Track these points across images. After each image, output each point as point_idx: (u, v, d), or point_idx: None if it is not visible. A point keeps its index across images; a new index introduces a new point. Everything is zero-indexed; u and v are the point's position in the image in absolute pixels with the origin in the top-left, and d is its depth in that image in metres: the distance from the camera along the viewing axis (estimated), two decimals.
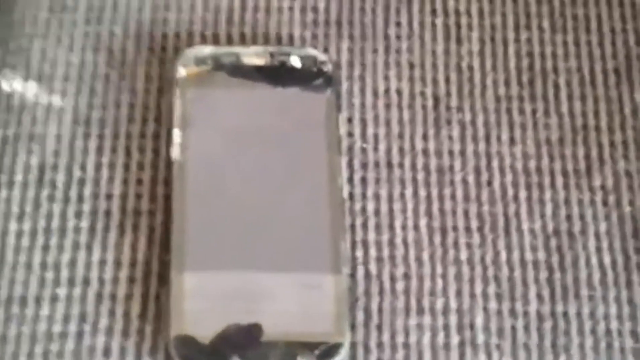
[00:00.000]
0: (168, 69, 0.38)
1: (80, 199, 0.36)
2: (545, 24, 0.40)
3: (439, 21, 0.40)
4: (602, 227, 0.37)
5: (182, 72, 0.37)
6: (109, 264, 0.35)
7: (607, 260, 0.36)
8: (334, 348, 0.32)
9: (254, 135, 0.36)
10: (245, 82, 0.37)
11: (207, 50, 0.37)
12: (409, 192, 0.37)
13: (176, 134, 0.36)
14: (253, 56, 0.37)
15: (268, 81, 0.37)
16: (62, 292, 0.34)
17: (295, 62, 0.37)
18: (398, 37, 0.40)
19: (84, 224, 0.36)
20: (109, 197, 0.36)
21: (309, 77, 0.37)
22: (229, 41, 0.39)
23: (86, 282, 0.35)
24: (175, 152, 0.35)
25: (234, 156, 0.36)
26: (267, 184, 0.35)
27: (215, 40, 0.39)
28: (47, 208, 0.36)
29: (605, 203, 0.37)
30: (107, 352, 0.33)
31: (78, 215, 0.36)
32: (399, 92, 0.39)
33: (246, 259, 0.34)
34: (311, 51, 0.38)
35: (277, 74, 0.37)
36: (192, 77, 0.37)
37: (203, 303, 0.33)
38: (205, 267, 0.33)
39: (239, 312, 0.33)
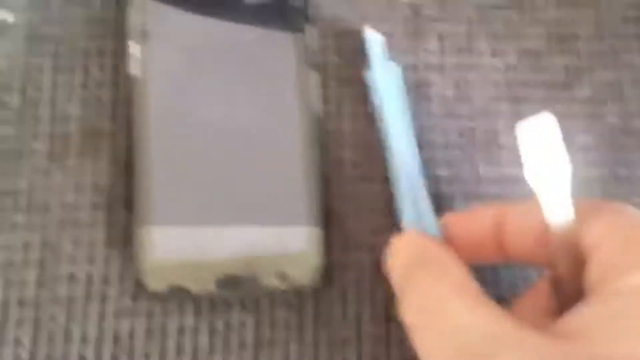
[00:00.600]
0: None
1: (36, 120, 0.34)
2: None
3: None
4: (586, 140, 0.35)
5: None
6: (71, 190, 0.33)
7: (594, 173, 0.35)
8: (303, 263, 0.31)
9: (220, 52, 0.34)
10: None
11: None
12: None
13: (133, 47, 0.34)
14: None
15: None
16: (20, 219, 0.33)
17: None
18: None
19: (41, 147, 0.34)
20: (67, 118, 0.34)
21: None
22: None
23: (46, 207, 0.33)
24: (134, 68, 0.33)
25: (197, 74, 0.34)
26: (234, 103, 0.33)
27: None
28: (0, 131, 0.34)
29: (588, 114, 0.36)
30: (72, 279, 0.32)
31: (34, 138, 0.34)
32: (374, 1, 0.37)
33: (210, 201, 0.32)
34: None
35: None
36: None
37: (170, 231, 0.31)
38: (173, 199, 0.32)
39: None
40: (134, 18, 0.34)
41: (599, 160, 0.35)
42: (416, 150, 0.34)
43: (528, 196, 0.34)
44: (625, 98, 0.36)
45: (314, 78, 0.35)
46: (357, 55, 0.36)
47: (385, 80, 0.35)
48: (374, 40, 0.36)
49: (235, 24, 0.35)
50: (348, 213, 0.34)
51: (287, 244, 0.32)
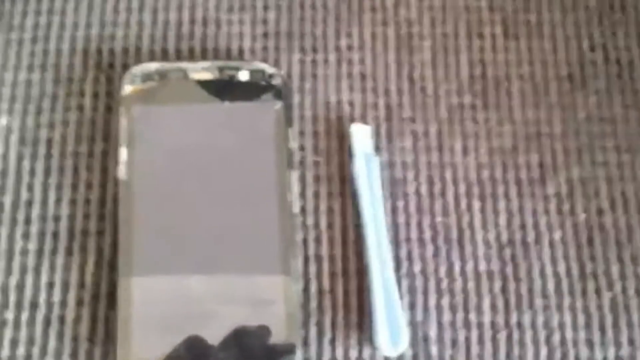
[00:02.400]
0: (115, 85, 0.39)
1: (27, 220, 0.37)
2: (498, 30, 0.41)
3: (391, 31, 0.41)
4: (557, 235, 0.37)
5: (128, 89, 0.38)
6: (57, 287, 0.36)
7: (561, 268, 0.37)
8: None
9: (202, 152, 0.37)
10: (193, 98, 0.38)
11: (154, 66, 0.38)
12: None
13: (122, 152, 0.36)
14: (201, 71, 0.38)
15: (216, 96, 0.38)
16: (9, 316, 0.35)
17: (244, 76, 0.38)
18: (349, 48, 0.41)
19: (32, 246, 0.36)
20: (56, 218, 0.37)
21: (258, 91, 0.38)
22: (178, 56, 0.40)
23: (34, 305, 0.35)
24: (122, 171, 0.36)
25: (181, 174, 0.36)
26: (215, 201, 0.36)
27: (164, 56, 0.40)
28: None
29: (559, 211, 0.38)
30: None
31: (25, 237, 0.36)
32: (351, 104, 0.40)
33: (193, 289, 0.34)
34: (260, 65, 0.39)
35: (225, 89, 0.38)
36: (139, 94, 0.38)
37: (150, 331, 0.33)
38: (153, 292, 0.34)
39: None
40: (121, 123, 0.37)
41: (570, 255, 0.37)
42: (388, 244, 0.36)
43: (506, 292, 0.36)
44: (597, 195, 0.38)
45: (293, 176, 0.37)
46: (334, 153, 0.39)
47: (366, 174, 0.37)
48: (361, 132, 0.38)
49: (218, 125, 0.37)
50: (324, 310, 0.36)
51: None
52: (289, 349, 0.33)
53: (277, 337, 0.34)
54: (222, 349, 0.33)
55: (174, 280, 0.34)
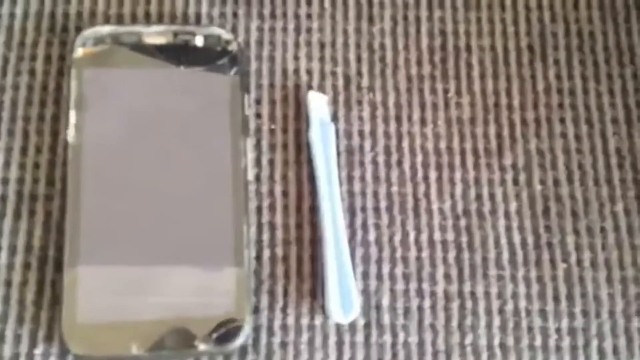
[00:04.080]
0: (68, 49, 0.39)
1: None
2: (459, 1, 0.42)
3: (351, 0, 0.41)
4: (513, 206, 0.38)
5: (80, 52, 0.38)
6: (4, 250, 0.36)
7: (516, 239, 0.38)
8: (233, 330, 0.34)
9: (154, 117, 0.37)
10: (146, 62, 0.38)
11: (107, 29, 0.38)
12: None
13: (72, 115, 0.37)
14: (155, 35, 0.38)
15: (170, 61, 0.38)
16: None
17: (200, 41, 0.39)
18: (309, 16, 0.41)
19: None
20: (5, 181, 0.37)
21: (214, 56, 0.38)
22: (133, 21, 0.40)
23: None
24: (71, 135, 0.36)
25: (132, 139, 0.37)
26: (167, 167, 0.36)
27: (119, 20, 0.40)
28: None
29: (516, 182, 0.39)
30: (0, 338, 0.34)
31: None
32: (309, 72, 0.40)
33: (143, 248, 0.35)
34: (216, 30, 0.39)
35: (179, 54, 0.38)
36: (91, 57, 0.38)
37: (96, 295, 0.34)
38: (100, 260, 0.34)
39: (135, 304, 0.34)
40: (72, 86, 0.37)
41: (525, 226, 0.38)
42: (342, 213, 0.37)
43: (460, 262, 0.36)
44: (554, 166, 0.39)
45: (248, 144, 0.37)
46: (291, 121, 0.39)
47: (322, 142, 0.38)
48: (317, 101, 0.39)
49: (171, 91, 0.38)
50: (277, 277, 0.36)
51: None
52: (236, 330, 0.34)
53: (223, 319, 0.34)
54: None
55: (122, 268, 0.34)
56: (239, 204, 0.36)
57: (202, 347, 0.33)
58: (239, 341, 0.34)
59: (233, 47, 0.39)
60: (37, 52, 0.39)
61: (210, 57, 0.38)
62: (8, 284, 0.35)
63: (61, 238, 0.36)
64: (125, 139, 0.36)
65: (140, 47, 0.38)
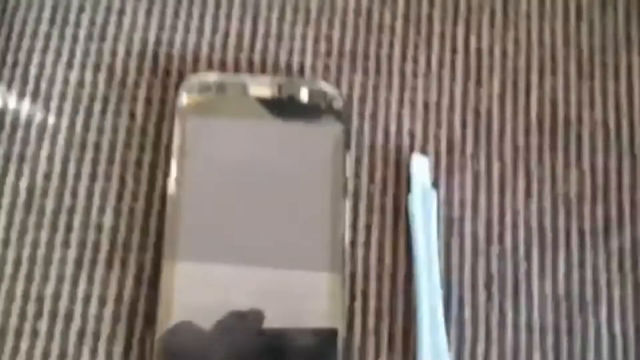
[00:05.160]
0: (170, 93, 0.39)
1: (68, 228, 0.37)
2: (572, 69, 0.41)
3: (459, 60, 0.41)
4: (616, 293, 0.37)
5: (184, 98, 0.38)
6: (94, 300, 0.36)
7: (617, 329, 0.36)
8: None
9: (255, 171, 0.37)
10: (249, 113, 0.38)
11: (212, 77, 0.38)
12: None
13: (173, 165, 0.36)
14: (260, 86, 0.38)
15: (274, 113, 0.38)
16: (43, 326, 0.35)
17: (304, 95, 0.38)
18: (414, 75, 0.40)
19: (71, 255, 0.36)
20: (99, 227, 0.37)
21: (318, 112, 0.38)
22: (237, 68, 0.40)
23: (69, 317, 0.35)
24: (171, 186, 0.36)
25: (232, 193, 0.36)
26: (265, 224, 0.36)
27: (222, 67, 0.40)
28: (33, 235, 0.37)
29: (621, 268, 0.37)
30: None
31: (65, 245, 0.37)
32: (411, 134, 0.39)
33: (239, 308, 0.34)
34: (321, 85, 0.38)
35: (284, 107, 0.38)
36: (194, 105, 0.38)
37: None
38: (194, 320, 0.34)
39: None
40: (174, 134, 0.37)
41: (627, 315, 0.37)
42: (439, 286, 0.36)
43: (558, 348, 0.36)
44: None
45: (346, 205, 0.37)
46: (390, 184, 0.38)
47: (423, 209, 0.37)
48: (420, 164, 0.38)
49: (273, 145, 0.37)
50: (367, 350, 0.36)
51: None
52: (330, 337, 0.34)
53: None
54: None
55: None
56: (336, 270, 0.35)
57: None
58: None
59: (338, 103, 0.38)
60: (138, 93, 0.39)
61: (314, 112, 0.38)
62: (96, 336, 0.35)
63: (153, 292, 0.35)
64: (225, 193, 0.36)
65: (244, 97, 0.38)
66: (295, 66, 0.40)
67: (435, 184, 0.39)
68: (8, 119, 0.39)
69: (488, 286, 0.37)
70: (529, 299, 0.37)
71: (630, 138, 0.40)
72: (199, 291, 0.35)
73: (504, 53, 0.41)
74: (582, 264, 0.38)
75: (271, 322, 0.34)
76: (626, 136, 0.40)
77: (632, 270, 0.38)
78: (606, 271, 0.37)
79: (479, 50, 0.41)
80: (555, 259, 0.38)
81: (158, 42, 0.40)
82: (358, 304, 0.37)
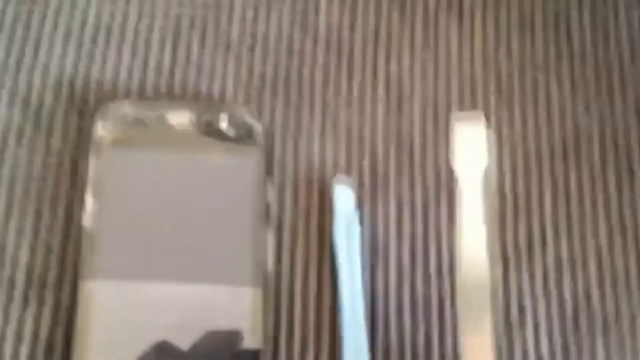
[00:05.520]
0: (87, 123, 0.38)
1: None
2: (493, 96, 0.41)
3: (381, 84, 0.41)
4: (542, 312, 0.37)
5: (99, 128, 0.37)
6: (9, 339, 0.35)
7: (544, 351, 0.37)
8: None
9: (174, 201, 0.36)
10: (168, 142, 0.37)
11: (129, 105, 0.38)
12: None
13: (89, 199, 0.36)
14: (178, 114, 0.38)
15: (193, 142, 0.37)
16: None
17: (223, 122, 0.38)
18: (337, 100, 0.40)
19: None
20: (15, 263, 0.36)
21: (237, 139, 0.38)
22: (155, 95, 0.40)
23: None
24: (87, 219, 0.36)
25: (150, 224, 0.36)
26: (185, 255, 0.36)
27: (141, 94, 0.39)
28: None
29: (545, 285, 0.38)
30: None
31: None
32: (335, 161, 0.39)
33: (157, 344, 0.34)
34: (241, 111, 0.38)
35: (203, 135, 0.38)
36: (111, 135, 0.37)
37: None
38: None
39: None
40: (90, 168, 0.36)
41: (556, 335, 0.37)
42: (363, 315, 0.36)
43: None
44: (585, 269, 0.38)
45: (268, 233, 0.37)
46: (314, 211, 0.38)
47: (346, 238, 0.37)
48: (343, 189, 0.38)
49: (193, 174, 0.37)
50: None
51: None
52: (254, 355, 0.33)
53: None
54: (191, 354, 0.33)
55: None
56: (258, 300, 0.35)
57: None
58: None
59: (258, 129, 0.38)
60: (54, 125, 0.39)
61: (233, 139, 0.38)
62: None
63: (70, 330, 0.35)
64: (142, 223, 0.36)
65: (162, 126, 0.38)
66: (216, 93, 0.40)
67: (360, 210, 0.39)
68: None
69: (414, 310, 0.37)
70: (454, 323, 0.37)
71: (551, 162, 0.40)
72: (118, 311, 0.34)
73: (424, 76, 0.41)
74: (506, 287, 0.38)
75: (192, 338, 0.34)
76: (547, 160, 0.40)
77: (556, 287, 0.38)
78: (531, 295, 0.38)
79: (400, 74, 0.41)
80: None
81: (75, 71, 0.40)
82: (283, 333, 0.36)
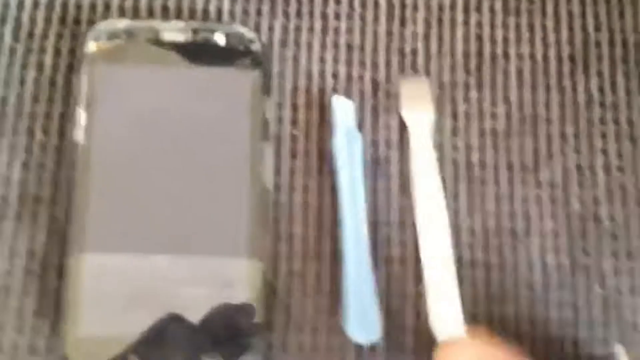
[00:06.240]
0: (80, 43, 0.38)
1: None
2: (498, 5, 0.41)
3: (382, 0, 0.40)
4: (548, 226, 0.37)
5: (92, 46, 0.37)
6: (4, 255, 0.35)
7: (551, 261, 0.36)
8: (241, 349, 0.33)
9: (169, 119, 0.36)
10: (162, 59, 0.37)
11: (122, 23, 0.37)
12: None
13: (81, 114, 0.36)
14: (173, 32, 0.37)
15: (188, 59, 0.37)
16: None
17: (220, 39, 0.38)
18: (337, 16, 0.40)
19: None
20: (7, 181, 0.36)
21: (235, 56, 0.37)
22: (150, 15, 0.39)
23: None
24: (79, 135, 0.35)
25: (145, 142, 0.36)
26: (180, 172, 0.35)
27: (135, 14, 0.39)
28: None
29: (552, 200, 0.37)
30: None
31: None
32: (335, 76, 0.39)
33: (152, 261, 0.34)
34: (238, 28, 0.38)
35: (198, 52, 0.37)
36: (104, 53, 0.37)
37: (100, 307, 0.33)
38: (105, 271, 0.33)
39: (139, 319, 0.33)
40: (82, 83, 0.36)
41: (560, 247, 0.36)
42: (365, 229, 0.35)
43: (490, 284, 0.35)
44: (595, 185, 0.38)
45: (267, 149, 0.36)
46: (314, 127, 0.38)
47: (347, 151, 0.37)
48: (343, 106, 0.38)
49: (189, 91, 0.37)
50: (293, 292, 0.35)
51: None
52: (252, 330, 0.33)
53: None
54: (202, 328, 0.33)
55: (133, 258, 0.34)
56: (256, 213, 0.35)
57: None
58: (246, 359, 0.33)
59: (256, 46, 0.38)
60: (46, 44, 0.38)
61: (231, 56, 0.37)
62: (7, 290, 0.34)
63: (65, 245, 0.35)
64: (138, 142, 0.35)
65: (157, 44, 0.37)
66: (212, 12, 0.40)
67: (361, 126, 0.38)
68: None
69: (413, 224, 0.37)
70: (458, 236, 0.37)
71: (559, 72, 0.39)
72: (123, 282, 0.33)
73: None
74: (511, 198, 0.37)
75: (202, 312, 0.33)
76: (554, 70, 0.40)
77: (564, 202, 0.37)
78: (537, 204, 0.37)
79: None
80: (483, 193, 0.37)
81: None
82: (283, 249, 0.36)
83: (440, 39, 0.40)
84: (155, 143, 0.36)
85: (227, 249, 0.34)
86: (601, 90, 0.39)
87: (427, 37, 0.40)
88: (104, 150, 0.35)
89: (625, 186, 0.38)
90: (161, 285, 0.33)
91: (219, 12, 0.40)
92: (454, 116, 0.39)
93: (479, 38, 0.40)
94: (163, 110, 0.36)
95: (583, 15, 0.41)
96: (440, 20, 0.40)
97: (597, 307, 0.36)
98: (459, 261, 0.36)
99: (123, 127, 0.36)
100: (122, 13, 0.39)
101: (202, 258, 0.34)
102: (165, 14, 0.39)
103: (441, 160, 0.38)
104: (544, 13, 0.41)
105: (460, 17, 0.40)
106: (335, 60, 0.39)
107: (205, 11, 0.40)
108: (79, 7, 0.39)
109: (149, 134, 0.36)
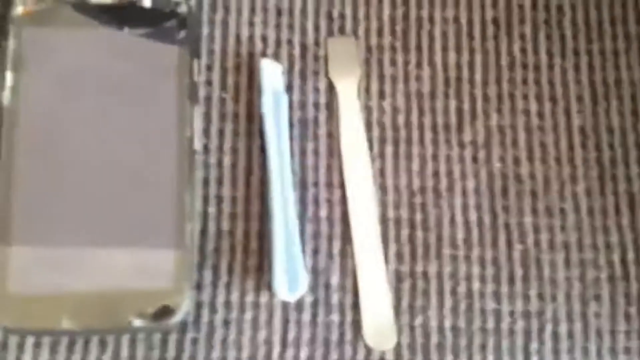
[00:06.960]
0: (7, 6, 0.38)
1: None
2: None
3: None
4: (470, 184, 0.38)
5: (19, 10, 0.37)
6: None
7: (473, 218, 0.38)
8: (171, 307, 0.34)
9: (96, 82, 0.37)
10: (89, 22, 0.37)
11: None
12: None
13: (8, 77, 0.36)
14: None
15: (115, 22, 0.38)
16: None
17: (147, 1, 0.38)
18: None
19: None
20: None
21: (162, 18, 0.38)
22: None
23: None
24: (6, 97, 0.36)
25: (72, 104, 0.36)
26: (108, 135, 0.36)
27: None
28: None
29: (474, 159, 0.39)
30: None
31: None
32: (264, 39, 0.40)
33: (78, 224, 0.34)
34: None
35: (125, 14, 0.38)
36: (30, 15, 0.37)
37: (28, 269, 0.34)
38: (33, 235, 0.34)
39: (68, 279, 0.34)
40: (10, 45, 0.37)
41: (482, 205, 0.38)
42: (292, 187, 0.37)
43: (414, 241, 0.37)
44: (515, 144, 0.39)
45: (196, 112, 0.37)
46: (243, 90, 0.39)
47: (274, 113, 0.38)
48: (271, 69, 0.38)
49: (115, 54, 0.37)
50: (222, 252, 0.36)
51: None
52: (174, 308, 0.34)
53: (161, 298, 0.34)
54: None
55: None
56: (183, 175, 0.36)
57: (137, 323, 0.33)
58: (176, 318, 0.34)
59: (183, 9, 0.38)
60: None
61: (158, 18, 0.38)
62: None
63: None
64: (65, 104, 0.36)
65: (83, 7, 0.38)
66: None
67: (289, 88, 0.39)
68: None
69: (343, 185, 0.38)
70: (384, 194, 0.38)
71: (482, 34, 0.41)
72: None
73: None
74: (435, 158, 0.39)
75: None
76: (477, 33, 0.41)
77: (485, 161, 0.39)
78: (460, 163, 0.39)
79: None
80: (409, 154, 0.39)
81: None
82: (212, 209, 0.37)
83: (367, 3, 0.41)
84: (81, 106, 0.36)
85: (151, 222, 0.35)
86: (524, 52, 0.40)
87: (354, 1, 0.41)
88: (30, 112, 0.36)
89: (545, 146, 0.39)
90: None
91: None
92: (381, 79, 0.40)
93: (405, 2, 0.41)
94: (90, 74, 0.37)
95: None
96: None
97: (517, 263, 0.37)
98: (385, 219, 0.37)
99: (49, 89, 0.36)
100: None
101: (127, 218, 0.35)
102: None
103: (368, 122, 0.39)
104: None
105: None
106: (265, 24, 0.40)
107: None
108: None
109: (75, 97, 0.36)
